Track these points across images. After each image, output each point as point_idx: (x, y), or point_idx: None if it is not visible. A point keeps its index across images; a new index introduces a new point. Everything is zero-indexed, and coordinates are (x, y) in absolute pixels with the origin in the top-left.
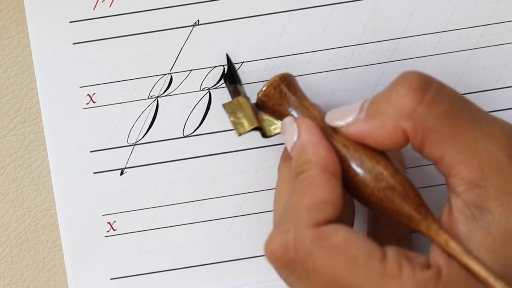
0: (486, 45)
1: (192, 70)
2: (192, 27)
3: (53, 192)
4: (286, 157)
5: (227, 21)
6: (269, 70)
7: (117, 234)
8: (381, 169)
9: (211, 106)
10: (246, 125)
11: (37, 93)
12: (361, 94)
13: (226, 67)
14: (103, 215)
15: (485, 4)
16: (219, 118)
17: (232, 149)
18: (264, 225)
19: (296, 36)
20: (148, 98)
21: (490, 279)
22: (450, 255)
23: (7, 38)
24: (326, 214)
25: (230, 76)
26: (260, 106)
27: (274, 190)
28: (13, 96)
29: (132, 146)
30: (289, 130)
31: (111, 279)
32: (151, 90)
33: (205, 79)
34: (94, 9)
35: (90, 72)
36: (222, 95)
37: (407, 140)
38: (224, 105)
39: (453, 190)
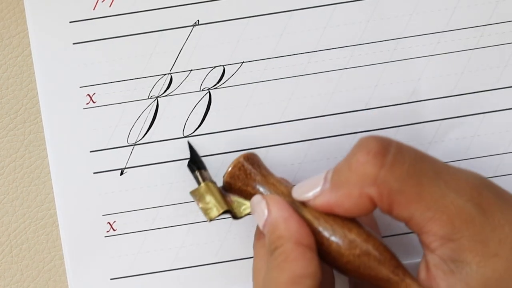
0: (486, 45)
1: (192, 70)
2: (192, 27)
3: (53, 192)
4: (259, 235)
5: (227, 21)
6: (269, 70)
7: (117, 234)
8: (353, 236)
9: (211, 106)
10: (215, 210)
11: (37, 93)
12: (361, 94)
13: (189, 154)
14: (103, 215)
15: (485, 4)
16: (219, 118)
17: (232, 149)
18: None
19: (296, 36)
20: (148, 98)
21: None
22: None
23: (7, 38)
24: (305, 287)
25: (194, 163)
26: (227, 189)
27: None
28: (13, 96)
29: (132, 146)
30: (259, 208)
31: (111, 279)
32: (151, 90)
33: (205, 79)
34: (94, 9)
35: (90, 72)
36: (222, 95)
37: (374, 205)
38: (191, 193)
39: (427, 247)
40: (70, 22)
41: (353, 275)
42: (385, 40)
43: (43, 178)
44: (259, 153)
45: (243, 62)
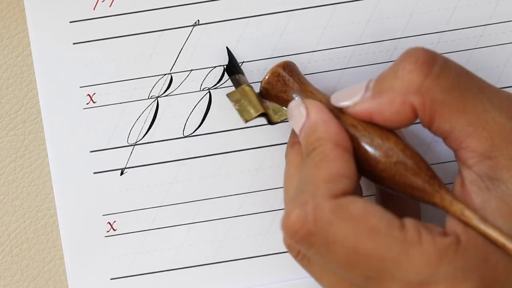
0: (486, 45)
1: (192, 70)
2: (192, 27)
3: (53, 192)
4: (293, 142)
5: (227, 21)
6: None
7: (117, 234)
8: (391, 144)
9: (211, 106)
10: (252, 111)
11: (37, 93)
12: None
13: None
14: (103, 215)
15: (485, 4)
16: (219, 118)
17: (232, 149)
18: (264, 225)
19: (296, 36)
20: (148, 98)
21: (509, 244)
22: (466, 224)
23: (7, 38)
24: (343, 186)
25: (232, 67)
26: (264, 95)
27: (274, 190)
28: (13, 96)
29: (132, 146)
30: (297, 111)
31: (111, 279)
32: (151, 90)
33: (205, 79)
34: (94, 9)
35: (90, 72)
36: (222, 95)
37: (415, 115)
38: (228, 95)
39: (464, 163)
40: (70, 22)
41: (388, 184)
42: (385, 40)
43: (43, 178)
44: (259, 154)
45: (243, 62)
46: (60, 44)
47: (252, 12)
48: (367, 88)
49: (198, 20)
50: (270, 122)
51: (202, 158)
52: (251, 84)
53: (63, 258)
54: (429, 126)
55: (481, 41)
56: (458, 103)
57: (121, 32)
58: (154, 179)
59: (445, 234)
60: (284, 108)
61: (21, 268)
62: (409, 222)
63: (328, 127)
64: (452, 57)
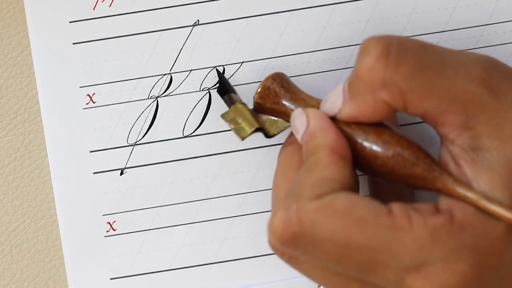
0: (486, 45)
1: (192, 70)
2: (192, 27)
3: (53, 192)
4: (287, 143)
5: (227, 21)
6: (269, 70)
7: (117, 234)
8: (386, 138)
9: (211, 106)
10: (247, 128)
11: (37, 93)
12: None
13: (218, 80)
14: (103, 215)
15: (485, 4)
16: (219, 118)
17: (232, 149)
18: (264, 225)
19: (296, 36)
20: (148, 98)
21: None
22: (473, 205)
23: (7, 38)
24: (330, 188)
25: (224, 87)
26: (258, 109)
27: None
28: (13, 96)
29: (132, 146)
30: (298, 120)
31: (111, 279)
32: (151, 90)
33: (205, 79)
34: (94, 9)
35: (90, 72)
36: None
37: (392, 107)
38: (222, 115)
39: (446, 138)
40: (70, 22)
41: (389, 178)
42: None
43: (43, 178)
44: (259, 154)
45: (243, 62)
46: (60, 44)
47: (252, 12)
48: (344, 92)
49: (198, 20)
50: (267, 135)
51: (202, 158)
52: (250, 82)
53: (63, 258)
54: (404, 111)
55: (481, 41)
56: (424, 86)
57: (121, 32)
58: (154, 179)
59: (437, 211)
60: (279, 119)
61: (21, 268)
62: (396, 207)
63: (326, 134)
64: None
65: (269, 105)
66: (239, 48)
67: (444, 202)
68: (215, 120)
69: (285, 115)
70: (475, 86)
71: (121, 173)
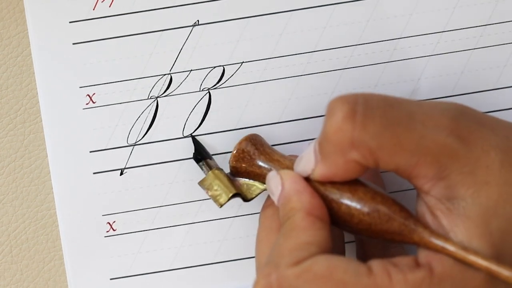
0: (486, 45)
1: (192, 70)
2: (192, 27)
3: (53, 192)
4: (266, 206)
5: (227, 21)
6: (269, 70)
7: (117, 234)
8: (360, 195)
9: (211, 106)
10: (224, 195)
11: (37, 93)
12: None
13: (193, 147)
14: (103, 215)
15: (485, 4)
16: (219, 118)
17: (232, 149)
18: None
19: (296, 36)
20: (148, 98)
21: (493, 267)
22: (451, 257)
23: (7, 38)
24: (309, 253)
25: (199, 154)
26: (234, 173)
27: None
28: (13, 96)
29: (132, 146)
30: (273, 183)
31: (111, 279)
32: (151, 90)
33: (205, 79)
34: (94, 9)
35: (90, 72)
36: (222, 95)
37: (363, 166)
38: (200, 183)
39: (420, 189)
40: (70, 22)
41: (366, 234)
42: (385, 40)
43: (43, 178)
44: None
45: (243, 62)
46: (60, 44)
47: (252, 12)
48: (315, 153)
49: (198, 20)
50: (245, 199)
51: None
52: (250, 82)
53: (63, 258)
54: (376, 168)
55: (481, 41)
56: (393, 142)
57: (121, 32)
58: (154, 179)
59: (417, 265)
60: (256, 182)
61: (20, 268)
62: (376, 265)
63: (301, 197)
64: (452, 57)
65: (244, 168)
66: (239, 48)
67: (423, 255)
68: (215, 120)
69: (261, 177)
70: (445, 136)
71: (121, 173)
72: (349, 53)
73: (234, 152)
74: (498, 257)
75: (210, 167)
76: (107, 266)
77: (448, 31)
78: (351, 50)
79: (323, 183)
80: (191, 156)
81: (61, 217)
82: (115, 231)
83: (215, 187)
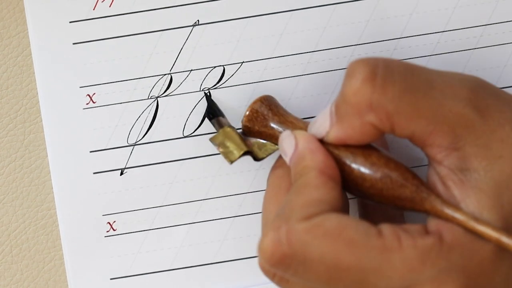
0: (486, 45)
1: (192, 70)
2: (192, 27)
3: (53, 192)
4: (276, 166)
5: (227, 21)
6: (269, 70)
7: (117, 234)
8: (374, 160)
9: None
10: (235, 152)
11: (37, 93)
12: None
13: (206, 104)
14: (103, 215)
15: (485, 4)
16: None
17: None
18: None
19: (296, 36)
20: (148, 98)
21: (503, 239)
22: (461, 226)
23: (7, 38)
24: (319, 209)
25: (212, 111)
26: (246, 132)
27: None
28: (13, 96)
29: (132, 146)
30: (286, 142)
31: (111, 279)
32: (151, 90)
33: (205, 79)
34: (94, 9)
35: (90, 72)
36: (222, 95)
37: (379, 129)
38: (211, 139)
39: (433, 159)
40: (70, 22)
41: (377, 200)
42: (385, 40)
43: (43, 178)
44: None
45: (243, 62)
46: (60, 44)
47: (252, 12)
48: (331, 115)
49: (198, 20)
50: (256, 158)
51: (202, 158)
52: (250, 82)
53: (63, 258)
54: (392, 133)
55: (481, 41)
56: (411, 108)
57: (121, 32)
58: (154, 179)
59: (426, 232)
60: (268, 142)
61: (21, 268)
62: (386, 228)
63: (315, 156)
64: (452, 57)
65: (257, 128)
66: (239, 48)
67: (433, 223)
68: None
69: (273, 138)
70: (462, 107)
71: (121, 173)
72: (349, 53)
73: (248, 112)
74: (508, 230)
75: (222, 125)
76: (107, 266)
77: (448, 31)
78: (351, 50)
79: (337, 146)
80: (191, 156)
81: (61, 217)
82: (115, 231)
83: (227, 144)
